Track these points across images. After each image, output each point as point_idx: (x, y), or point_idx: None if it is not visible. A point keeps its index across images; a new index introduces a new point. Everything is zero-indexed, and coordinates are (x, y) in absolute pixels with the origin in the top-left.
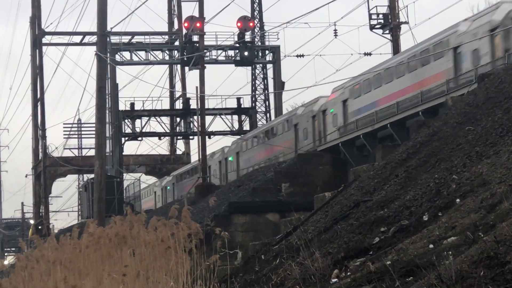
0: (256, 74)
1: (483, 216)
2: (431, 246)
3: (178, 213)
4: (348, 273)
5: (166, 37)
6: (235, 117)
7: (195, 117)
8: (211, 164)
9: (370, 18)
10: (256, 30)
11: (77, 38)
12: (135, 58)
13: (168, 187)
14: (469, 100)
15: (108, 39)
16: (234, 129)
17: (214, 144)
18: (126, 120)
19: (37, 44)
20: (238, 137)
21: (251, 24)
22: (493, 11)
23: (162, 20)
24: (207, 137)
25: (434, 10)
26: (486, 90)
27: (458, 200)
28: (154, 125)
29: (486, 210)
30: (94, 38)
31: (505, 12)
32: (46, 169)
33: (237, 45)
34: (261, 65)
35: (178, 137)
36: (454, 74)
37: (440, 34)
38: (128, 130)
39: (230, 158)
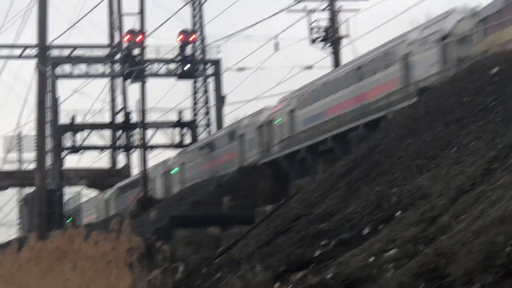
0: (198, 88)
1: (423, 229)
2: (371, 259)
3: (119, 226)
4: (290, 286)
5: (107, 50)
6: (177, 130)
7: (136, 131)
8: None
9: (311, 32)
10: (197, 44)
11: (18, 51)
12: (76, 71)
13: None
14: (409, 114)
15: (48, 52)
16: (175, 143)
17: (155, 158)
18: (66, 134)
19: None
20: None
21: (192, 37)
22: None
23: (103, 33)
24: (148, 150)
25: (375, 23)
26: (425, 104)
27: (398, 213)
28: (95, 138)
29: (427, 223)
30: (35, 51)
31: None
32: None
33: (178, 58)
34: (202, 78)
35: (119, 151)
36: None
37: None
38: (69, 144)
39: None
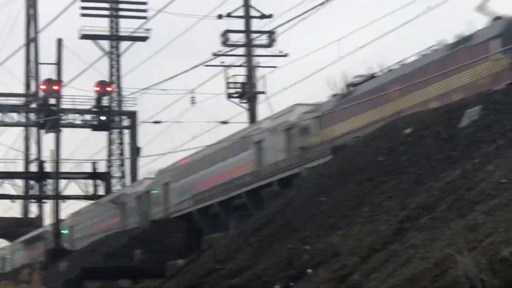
0: (113, 139)
1: (334, 287)
2: None
3: (29, 277)
4: None
5: (23, 99)
6: (91, 181)
7: (50, 181)
8: None
9: (228, 87)
10: (114, 95)
11: None
12: None
13: None
14: (323, 172)
15: None
16: (89, 194)
17: (68, 208)
18: None
19: None
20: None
21: (109, 88)
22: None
23: (19, 82)
24: (61, 201)
25: (291, 80)
26: (339, 162)
27: (310, 270)
28: (7, 187)
29: (337, 281)
30: None
31: None
32: None
33: (95, 109)
34: (118, 130)
35: (32, 200)
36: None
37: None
38: None
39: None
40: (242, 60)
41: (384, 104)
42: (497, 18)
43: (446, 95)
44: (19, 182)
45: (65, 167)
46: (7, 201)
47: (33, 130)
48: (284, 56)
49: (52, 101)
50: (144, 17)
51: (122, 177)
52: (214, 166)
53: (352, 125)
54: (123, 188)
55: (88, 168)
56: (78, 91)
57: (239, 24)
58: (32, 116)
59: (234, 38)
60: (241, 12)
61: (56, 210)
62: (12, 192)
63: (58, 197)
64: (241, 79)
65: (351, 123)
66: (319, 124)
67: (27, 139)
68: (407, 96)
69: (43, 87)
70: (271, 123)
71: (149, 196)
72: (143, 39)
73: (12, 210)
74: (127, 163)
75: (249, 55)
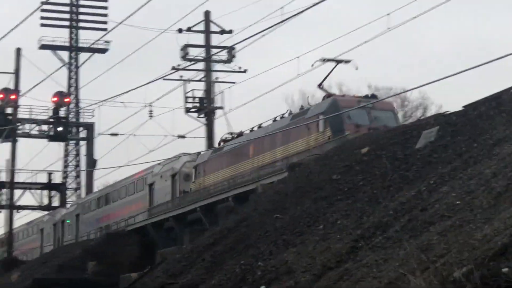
0: (69, 150)
1: None
2: None
3: None
4: None
5: None
6: (46, 192)
7: (5, 190)
8: None
9: (186, 101)
10: (71, 106)
11: None
12: None
13: None
14: (279, 188)
15: None
16: (43, 204)
17: (22, 218)
18: None
19: None
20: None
21: (66, 99)
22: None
23: None
24: (15, 211)
25: (249, 96)
26: (296, 179)
27: (263, 287)
28: None
29: None
30: None
31: None
32: None
33: (52, 120)
34: (74, 141)
35: None
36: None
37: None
38: None
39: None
40: (201, 74)
41: (244, 160)
42: (328, 95)
43: (288, 157)
44: None
45: (20, 177)
46: None
47: None
48: (243, 72)
49: (9, 110)
50: (104, 29)
51: (78, 188)
52: (115, 202)
53: (219, 176)
54: (42, 216)
55: (43, 179)
56: (36, 101)
57: (199, 39)
58: None
59: (194, 52)
60: (201, 27)
61: (10, 220)
62: None
63: (13, 207)
64: (200, 93)
65: (218, 174)
66: (196, 173)
67: None
68: (260, 155)
69: (0, 96)
70: (161, 168)
71: (63, 225)
72: (103, 51)
73: None
74: (83, 175)
75: (208, 70)
